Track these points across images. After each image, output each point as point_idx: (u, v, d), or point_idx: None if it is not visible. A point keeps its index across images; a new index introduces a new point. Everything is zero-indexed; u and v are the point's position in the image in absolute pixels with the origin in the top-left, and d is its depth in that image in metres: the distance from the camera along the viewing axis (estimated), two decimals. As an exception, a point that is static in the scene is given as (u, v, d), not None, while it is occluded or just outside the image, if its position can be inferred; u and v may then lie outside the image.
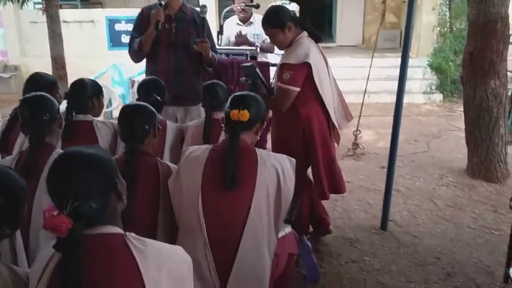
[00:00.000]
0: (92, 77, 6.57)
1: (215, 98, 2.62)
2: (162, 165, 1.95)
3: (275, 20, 2.70)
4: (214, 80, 2.76)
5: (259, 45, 3.79)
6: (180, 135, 2.70)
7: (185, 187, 1.82)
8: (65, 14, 8.80)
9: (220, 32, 3.99)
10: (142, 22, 3.10)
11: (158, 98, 2.60)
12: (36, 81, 2.71)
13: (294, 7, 6.01)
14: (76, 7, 9.44)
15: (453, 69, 7.47)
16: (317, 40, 2.74)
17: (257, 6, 4.16)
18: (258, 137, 1.96)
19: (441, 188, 4.18)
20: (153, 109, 2.06)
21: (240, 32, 4.09)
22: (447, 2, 8.03)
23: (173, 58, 3.08)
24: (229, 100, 1.93)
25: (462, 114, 6.97)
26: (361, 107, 5.22)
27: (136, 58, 3.16)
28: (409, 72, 8.06)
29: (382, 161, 4.85)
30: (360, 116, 5.20)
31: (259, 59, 3.69)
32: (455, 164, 4.76)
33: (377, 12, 10.30)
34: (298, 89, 2.63)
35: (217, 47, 3.57)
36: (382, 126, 6.24)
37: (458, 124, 6.26)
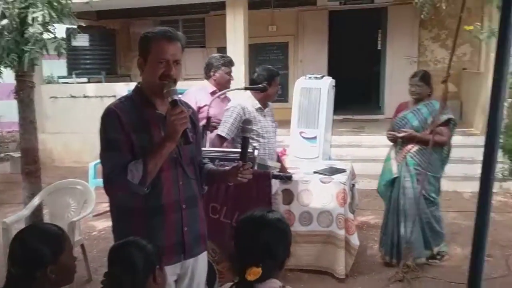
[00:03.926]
0: (94, 162, 5.89)
1: (129, 273, 1.51)
2: None
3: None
4: (130, 239, 1.63)
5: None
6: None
7: None
8: (87, 88, 8.49)
9: (206, 126, 2.91)
10: (121, 131, 1.88)
11: None
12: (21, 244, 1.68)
13: (329, 80, 5.03)
14: (100, 81, 9.02)
15: (533, 152, 6.02)
16: None
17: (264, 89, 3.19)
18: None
19: None
20: None
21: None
22: (519, 71, 6.71)
23: (181, 182, 2.00)
24: None
25: (548, 211, 5.59)
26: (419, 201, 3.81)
27: (132, 193, 1.87)
28: (474, 152, 6.76)
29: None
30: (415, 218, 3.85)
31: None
32: (554, 305, 3.31)
33: (432, 80, 9.10)
34: None
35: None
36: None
37: (546, 229, 4.78)
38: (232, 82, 3.84)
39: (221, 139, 3.09)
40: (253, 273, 1.43)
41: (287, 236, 1.56)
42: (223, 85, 3.70)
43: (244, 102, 3.39)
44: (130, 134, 1.87)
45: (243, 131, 2.07)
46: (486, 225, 1.44)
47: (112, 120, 1.88)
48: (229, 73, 3.76)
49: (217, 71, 3.70)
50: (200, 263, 2.11)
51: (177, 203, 1.97)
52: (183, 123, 1.82)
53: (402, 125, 3.89)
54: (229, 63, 3.79)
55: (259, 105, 3.39)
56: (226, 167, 2.14)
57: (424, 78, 3.85)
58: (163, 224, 1.94)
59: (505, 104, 6.75)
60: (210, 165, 2.21)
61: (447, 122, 3.79)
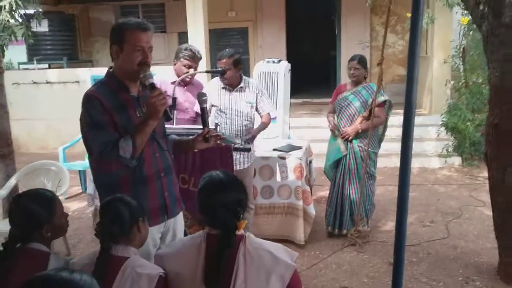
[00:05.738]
0: (63, 146, 6.03)
1: (117, 222, 1.78)
2: None
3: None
4: (117, 195, 1.88)
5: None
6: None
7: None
8: (49, 74, 8.40)
9: (173, 105, 3.18)
10: (104, 113, 2.08)
11: None
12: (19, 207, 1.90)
13: (284, 65, 5.34)
14: (62, 66, 8.95)
15: (472, 129, 6.58)
16: None
17: (223, 73, 3.44)
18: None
19: (468, 301, 3.23)
20: None
21: None
22: (460, 55, 7.25)
23: (158, 154, 2.24)
24: None
25: (486, 181, 6.11)
26: (364, 175, 4.13)
27: (126, 168, 2.10)
28: (422, 131, 7.34)
29: (392, 253, 3.94)
30: (362, 189, 4.20)
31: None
32: (483, 259, 3.80)
33: (384, 64, 9.60)
34: None
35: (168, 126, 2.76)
36: (392, 200, 5.33)
37: (482, 197, 5.32)
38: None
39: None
40: (242, 225, 1.72)
41: (245, 187, 1.83)
42: (180, 76, 3.62)
43: (217, 80, 3.69)
44: (112, 115, 2.07)
45: (199, 103, 2.40)
46: (407, 194, 1.78)
47: (94, 104, 2.06)
48: (187, 66, 3.62)
49: (177, 62, 3.68)
50: (179, 221, 2.41)
51: (157, 172, 2.22)
52: (163, 103, 2.06)
53: (345, 105, 4.20)
54: (190, 57, 3.63)
55: (223, 85, 3.64)
56: (191, 136, 2.43)
57: (361, 61, 4.14)
58: (147, 192, 2.18)
59: (449, 85, 7.36)
60: (174, 136, 2.48)
61: (382, 104, 4.12)
